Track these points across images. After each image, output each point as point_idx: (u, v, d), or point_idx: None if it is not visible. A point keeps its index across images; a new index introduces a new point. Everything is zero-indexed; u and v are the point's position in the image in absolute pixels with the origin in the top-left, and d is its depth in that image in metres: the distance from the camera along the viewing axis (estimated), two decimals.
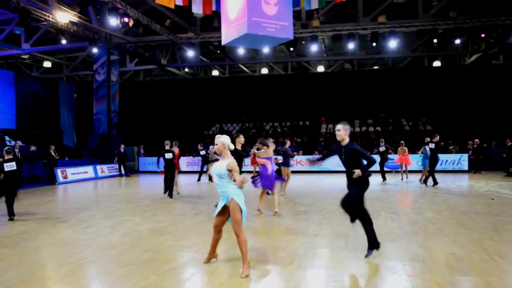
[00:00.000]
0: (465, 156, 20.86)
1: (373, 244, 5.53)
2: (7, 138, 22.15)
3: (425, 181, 14.81)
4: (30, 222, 8.71)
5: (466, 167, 20.65)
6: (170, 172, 12.52)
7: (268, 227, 7.88)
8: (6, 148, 9.15)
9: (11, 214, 8.94)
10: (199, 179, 17.95)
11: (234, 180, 4.99)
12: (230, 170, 4.95)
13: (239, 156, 8.97)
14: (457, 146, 17.65)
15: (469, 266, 5.14)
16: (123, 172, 21.94)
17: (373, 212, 9.13)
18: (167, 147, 12.60)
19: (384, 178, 16.54)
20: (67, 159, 21.45)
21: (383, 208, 9.68)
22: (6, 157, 8.99)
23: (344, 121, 5.59)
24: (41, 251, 6.37)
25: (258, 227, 7.89)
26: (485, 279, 4.68)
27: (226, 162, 5.00)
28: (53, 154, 18.56)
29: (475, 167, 20.19)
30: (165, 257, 5.79)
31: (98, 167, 21.34)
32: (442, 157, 20.85)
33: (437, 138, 14.42)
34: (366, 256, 5.49)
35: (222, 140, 5.08)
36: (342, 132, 5.45)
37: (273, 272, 5.12)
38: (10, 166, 8.85)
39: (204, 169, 18.13)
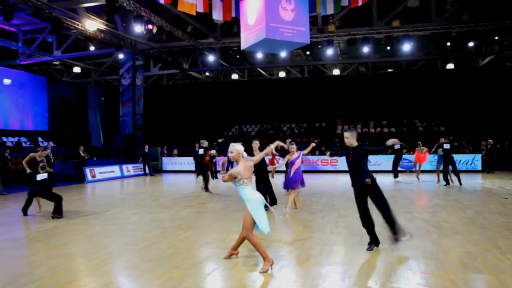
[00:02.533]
0: (478, 157, 20.43)
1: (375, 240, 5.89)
2: (40, 139, 22.69)
3: (446, 180, 14.22)
4: (61, 218, 8.88)
5: (479, 167, 20.23)
6: (201, 166, 13.36)
7: (285, 224, 7.87)
8: (41, 164, 9.42)
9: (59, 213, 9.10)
10: (215, 177, 18.17)
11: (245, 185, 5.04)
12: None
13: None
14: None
15: (482, 264, 5.03)
16: (147, 171, 22.15)
17: None
18: (204, 145, 13.37)
19: (396, 176, 16.36)
20: (95, 159, 21.83)
21: (398, 207, 9.55)
22: (40, 172, 9.23)
23: (350, 129, 6.07)
24: (71, 245, 6.49)
25: (276, 224, 7.89)
26: (499, 277, 4.57)
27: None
28: (82, 154, 18.88)
29: (488, 167, 19.76)
30: (187, 253, 5.84)
31: (124, 166, 21.61)
32: (455, 157, 20.49)
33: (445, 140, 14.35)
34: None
35: (238, 149, 5.15)
36: (350, 139, 5.79)
37: (290, 268, 5.12)
38: (41, 176, 9.14)
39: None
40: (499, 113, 24.13)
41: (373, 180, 5.71)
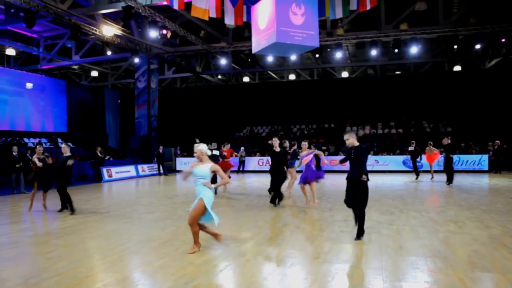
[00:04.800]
0: (485, 157, 20.13)
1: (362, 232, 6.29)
2: (59, 140, 22.97)
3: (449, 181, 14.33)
4: (79, 216, 8.96)
5: (486, 168, 19.92)
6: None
7: (296, 222, 7.84)
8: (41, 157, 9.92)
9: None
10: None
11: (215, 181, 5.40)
12: (214, 171, 5.49)
13: (283, 156, 9.51)
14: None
15: (490, 263, 4.95)
16: (162, 171, 22.28)
17: (396, 210, 8.97)
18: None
19: (417, 175, 16.37)
20: (111, 159, 22.01)
21: (406, 207, 9.46)
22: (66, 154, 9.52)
23: (348, 131, 6.44)
24: (89, 242, 6.54)
25: (287, 222, 7.86)
26: (507, 276, 4.49)
27: (209, 165, 5.53)
28: (100, 155, 19.04)
29: (495, 168, 19.46)
30: (200, 250, 5.83)
31: (139, 166, 21.74)
32: (463, 157, 20.27)
33: (449, 140, 14.32)
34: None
35: (201, 148, 5.58)
36: (351, 140, 6.27)
37: (300, 266, 5.09)
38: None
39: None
40: (506, 114, 23.74)
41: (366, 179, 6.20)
